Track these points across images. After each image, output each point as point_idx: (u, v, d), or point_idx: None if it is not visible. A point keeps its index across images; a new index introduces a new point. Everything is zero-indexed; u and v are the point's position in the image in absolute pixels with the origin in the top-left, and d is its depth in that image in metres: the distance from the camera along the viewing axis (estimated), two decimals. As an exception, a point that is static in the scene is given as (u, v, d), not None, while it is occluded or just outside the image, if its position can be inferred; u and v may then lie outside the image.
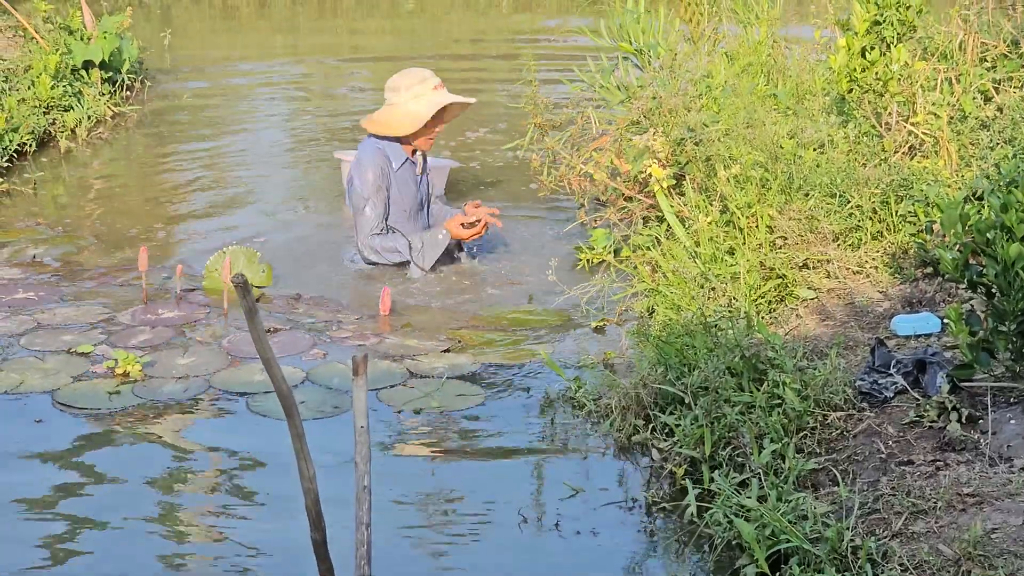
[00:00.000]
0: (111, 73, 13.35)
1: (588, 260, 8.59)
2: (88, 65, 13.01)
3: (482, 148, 11.94)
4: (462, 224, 8.76)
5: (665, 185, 8.18)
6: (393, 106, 8.83)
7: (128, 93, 13.61)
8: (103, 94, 12.92)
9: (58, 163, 11.65)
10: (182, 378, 7.22)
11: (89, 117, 12.45)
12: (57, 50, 12.85)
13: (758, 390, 5.97)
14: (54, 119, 12.21)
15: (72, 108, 12.41)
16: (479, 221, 8.78)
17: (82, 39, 13.14)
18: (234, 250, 8.52)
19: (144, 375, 7.20)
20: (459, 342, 7.77)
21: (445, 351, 7.62)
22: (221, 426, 6.82)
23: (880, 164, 7.91)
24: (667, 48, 10.39)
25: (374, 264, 8.84)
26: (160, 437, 6.61)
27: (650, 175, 8.21)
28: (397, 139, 8.84)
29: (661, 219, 8.31)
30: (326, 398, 7.02)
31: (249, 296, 4.22)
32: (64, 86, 12.49)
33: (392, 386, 7.16)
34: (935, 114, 8.24)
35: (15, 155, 11.35)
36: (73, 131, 12.22)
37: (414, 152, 8.95)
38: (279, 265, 8.76)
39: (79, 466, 6.33)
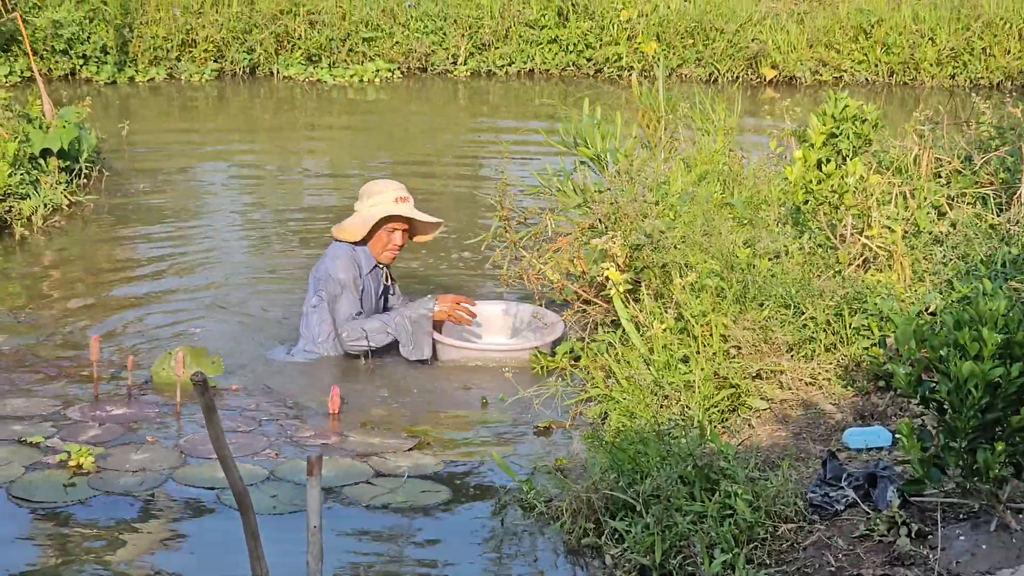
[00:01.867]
0: (69, 162, 13.34)
1: (543, 366, 8.63)
2: (46, 153, 13.00)
3: (429, 248, 11.84)
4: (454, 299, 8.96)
5: (622, 289, 8.21)
6: (355, 212, 8.94)
7: (85, 182, 13.59)
8: (60, 183, 12.91)
9: (13, 250, 11.61)
10: (138, 471, 7.16)
11: (45, 205, 12.42)
12: (15, 138, 12.83)
13: (710, 500, 5.97)
14: (10, 207, 12.18)
15: (29, 196, 12.38)
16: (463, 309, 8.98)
17: (41, 127, 13.15)
18: (184, 349, 8.45)
19: (97, 467, 7.15)
20: (425, 439, 7.75)
21: (410, 450, 7.60)
22: (190, 516, 6.79)
23: (834, 276, 7.97)
24: (624, 154, 10.46)
25: (354, 353, 8.86)
26: (128, 530, 6.58)
27: (607, 278, 8.24)
28: (365, 246, 8.91)
29: (617, 323, 8.34)
30: (296, 493, 6.98)
31: (207, 394, 4.22)
32: (21, 174, 12.47)
33: (356, 483, 7.15)
34: (889, 228, 8.32)
35: (-31, 242, 11.34)
36: (29, 219, 12.19)
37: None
38: (228, 358, 8.74)
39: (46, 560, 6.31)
